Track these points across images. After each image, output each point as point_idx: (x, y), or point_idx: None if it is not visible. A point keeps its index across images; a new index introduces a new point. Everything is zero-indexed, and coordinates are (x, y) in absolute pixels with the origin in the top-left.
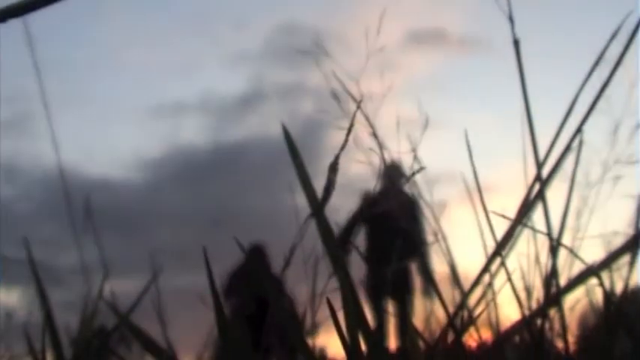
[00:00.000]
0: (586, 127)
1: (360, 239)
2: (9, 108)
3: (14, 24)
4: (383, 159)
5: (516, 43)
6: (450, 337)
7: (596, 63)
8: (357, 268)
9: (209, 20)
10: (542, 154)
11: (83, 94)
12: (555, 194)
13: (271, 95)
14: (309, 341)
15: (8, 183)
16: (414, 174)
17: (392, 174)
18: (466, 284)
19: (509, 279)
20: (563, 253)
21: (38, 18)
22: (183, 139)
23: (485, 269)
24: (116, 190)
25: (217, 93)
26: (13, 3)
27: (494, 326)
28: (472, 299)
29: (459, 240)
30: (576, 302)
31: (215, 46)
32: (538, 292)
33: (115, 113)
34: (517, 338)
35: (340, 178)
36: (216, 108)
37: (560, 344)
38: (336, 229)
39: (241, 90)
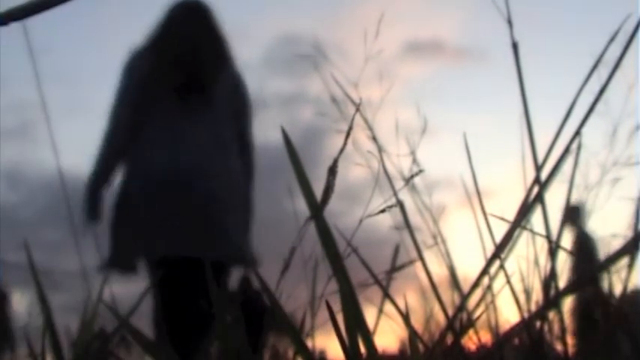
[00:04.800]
0: (585, 130)
1: None
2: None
3: (16, 31)
4: (382, 163)
5: (515, 46)
6: (449, 339)
7: (595, 65)
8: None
9: None
10: (540, 156)
11: (85, 101)
12: (554, 196)
13: (271, 103)
14: (309, 343)
15: (10, 189)
16: (412, 177)
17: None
18: (465, 287)
19: (509, 281)
20: (562, 256)
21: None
22: None
23: (485, 272)
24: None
25: None
26: (15, 6)
27: (493, 328)
28: (471, 301)
29: (458, 243)
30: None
31: None
32: (537, 295)
33: None
34: (516, 340)
35: (339, 181)
36: None
37: (559, 346)
38: (335, 232)
39: None
